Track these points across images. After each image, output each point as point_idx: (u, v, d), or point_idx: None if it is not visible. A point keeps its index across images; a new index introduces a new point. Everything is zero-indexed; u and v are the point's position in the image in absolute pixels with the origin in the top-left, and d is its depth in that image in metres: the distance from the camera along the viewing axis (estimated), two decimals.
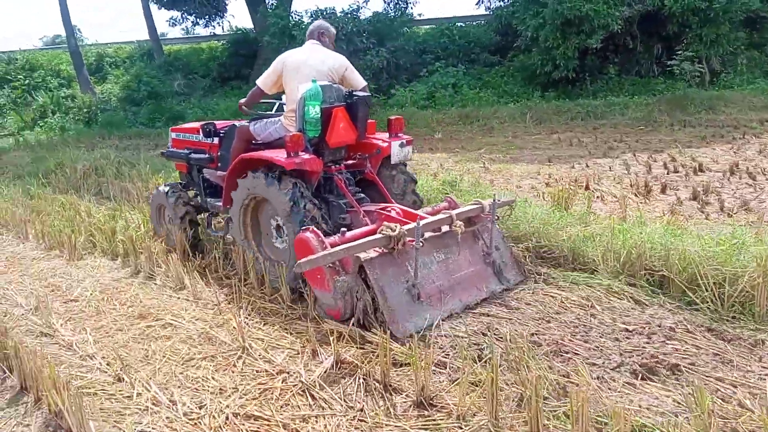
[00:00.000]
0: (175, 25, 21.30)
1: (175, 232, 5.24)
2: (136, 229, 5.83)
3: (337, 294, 3.56)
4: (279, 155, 4.04)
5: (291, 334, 3.65)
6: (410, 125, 13.90)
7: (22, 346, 3.27)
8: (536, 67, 14.61)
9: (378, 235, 3.62)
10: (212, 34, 22.69)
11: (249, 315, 3.96)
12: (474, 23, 18.07)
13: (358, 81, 4.62)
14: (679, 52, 13.49)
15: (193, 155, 5.29)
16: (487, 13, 18.67)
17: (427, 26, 19.29)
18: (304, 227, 3.76)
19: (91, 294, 4.55)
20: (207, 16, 21.34)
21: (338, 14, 16.50)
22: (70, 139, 15.16)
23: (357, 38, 15.91)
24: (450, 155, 9.89)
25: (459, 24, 17.82)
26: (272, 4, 20.31)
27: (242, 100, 4.80)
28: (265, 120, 4.74)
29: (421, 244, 3.62)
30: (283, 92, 4.61)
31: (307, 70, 4.36)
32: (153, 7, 22.08)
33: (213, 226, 5.36)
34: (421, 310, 3.60)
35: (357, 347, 3.39)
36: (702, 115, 12.07)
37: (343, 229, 3.88)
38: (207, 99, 19.34)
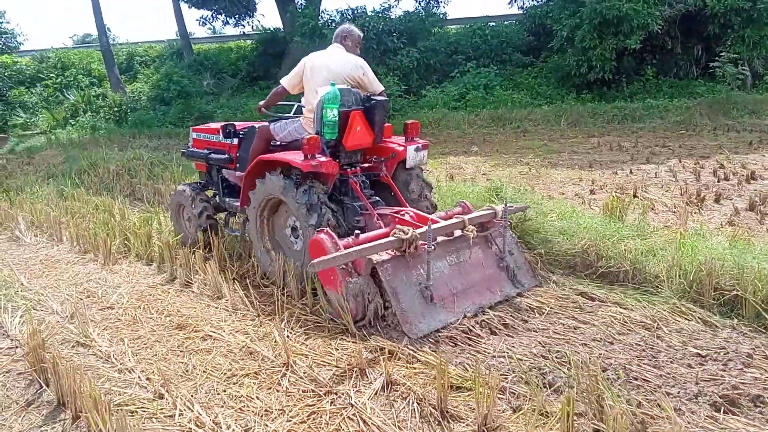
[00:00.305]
0: (205, 24, 21.37)
1: (194, 232, 5.40)
2: (171, 234, 5.71)
3: (349, 295, 3.59)
4: (295, 157, 4.09)
5: (336, 350, 3.47)
6: (441, 127, 13.71)
7: (60, 359, 3.14)
8: (571, 68, 14.27)
9: (391, 238, 3.68)
10: (242, 33, 22.68)
11: (291, 328, 3.79)
12: (506, 23, 17.74)
13: (376, 86, 4.65)
14: (722, 54, 13.05)
15: (213, 155, 5.34)
16: (520, 12, 18.35)
17: (458, 26, 19.03)
18: (318, 229, 3.81)
19: (127, 301, 4.43)
20: (237, 15, 21.32)
21: (369, 13, 16.32)
22: (101, 138, 15.25)
23: (387, 38, 15.72)
24: (485, 159, 9.66)
25: (491, 24, 17.48)
26: (302, 3, 20.23)
27: (261, 102, 4.92)
28: (284, 121, 4.83)
29: (433, 247, 3.66)
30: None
31: (326, 73, 4.40)
32: (183, 7, 22.21)
33: (230, 226, 5.42)
34: (435, 311, 3.63)
35: (408, 367, 3.20)
36: (745, 119, 11.66)
37: (357, 231, 3.94)
38: (236, 98, 19.33)
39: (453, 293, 3.77)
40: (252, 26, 22.25)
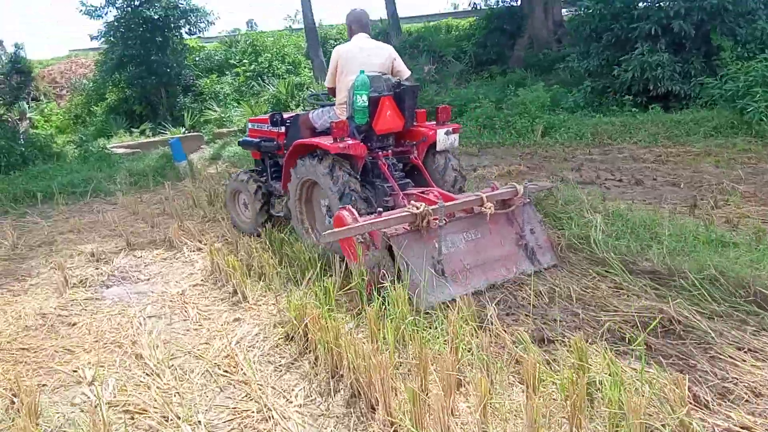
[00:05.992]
0: None
1: (252, 216, 5.68)
2: None
3: (367, 267, 3.69)
4: (326, 141, 4.34)
5: None
6: None
7: None
8: None
9: (403, 213, 3.76)
10: (473, 6, 18.35)
11: None
12: None
13: (404, 71, 4.87)
14: None
15: (264, 143, 5.68)
16: None
17: None
18: (342, 206, 4.01)
19: None
20: None
21: None
22: None
23: None
24: None
25: None
26: None
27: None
28: (322, 109, 5.09)
29: (444, 222, 3.77)
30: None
31: (361, 62, 4.54)
32: None
33: (275, 207, 5.59)
34: (444, 285, 3.69)
35: None
36: None
37: (379, 209, 3.95)
38: (463, 86, 15.05)
39: (466, 268, 3.81)
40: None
